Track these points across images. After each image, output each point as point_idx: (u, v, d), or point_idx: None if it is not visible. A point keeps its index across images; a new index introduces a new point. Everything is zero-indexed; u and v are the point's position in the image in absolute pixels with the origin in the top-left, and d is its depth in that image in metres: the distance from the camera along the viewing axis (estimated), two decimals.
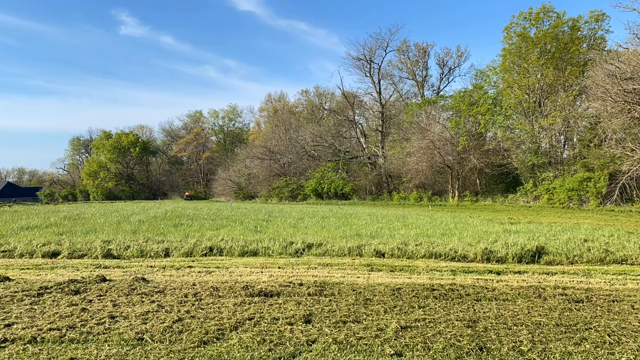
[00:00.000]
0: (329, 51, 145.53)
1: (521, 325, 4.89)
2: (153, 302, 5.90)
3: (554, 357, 4.04)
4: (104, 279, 7.29)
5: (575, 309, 5.58)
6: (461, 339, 4.43)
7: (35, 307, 5.69)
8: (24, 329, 4.80)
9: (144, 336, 4.54)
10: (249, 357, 4.05)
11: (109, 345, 4.32)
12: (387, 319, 5.10)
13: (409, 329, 4.75)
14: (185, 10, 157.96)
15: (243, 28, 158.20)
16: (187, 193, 72.89)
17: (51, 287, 6.71)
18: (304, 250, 10.28)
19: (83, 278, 7.39)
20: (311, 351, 4.18)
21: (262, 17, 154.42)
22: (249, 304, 5.77)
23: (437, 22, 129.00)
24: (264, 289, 6.45)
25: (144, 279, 7.31)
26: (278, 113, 78.33)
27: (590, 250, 9.69)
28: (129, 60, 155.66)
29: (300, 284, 6.88)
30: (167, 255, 10.10)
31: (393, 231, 13.82)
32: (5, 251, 10.37)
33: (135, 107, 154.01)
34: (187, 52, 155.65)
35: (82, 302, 5.91)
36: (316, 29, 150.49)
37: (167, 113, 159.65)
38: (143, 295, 6.24)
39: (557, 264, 8.99)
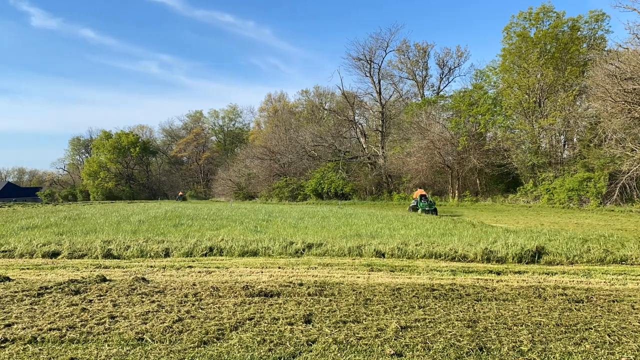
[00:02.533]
0: (267, 46, 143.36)
1: (521, 325, 4.89)
2: (153, 302, 5.90)
3: (554, 357, 4.04)
4: (104, 279, 7.29)
5: (575, 309, 5.58)
6: (461, 339, 4.43)
7: (36, 307, 5.69)
8: (24, 329, 4.80)
9: (144, 336, 4.54)
10: (249, 357, 4.05)
11: (109, 345, 4.32)
12: (387, 319, 5.10)
13: (409, 329, 4.75)
14: (91, 4, 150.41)
15: (163, 21, 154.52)
16: (180, 193, 70.46)
17: (51, 287, 6.71)
18: (304, 250, 10.28)
19: (83, 278, 7.39)
20: (311, 351, 4.18)
21: (175, 8, 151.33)
22: (249, 304, 5.77)
23: (437, 22, 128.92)
24: (264, 289, 6.45)
25: (144, 279, 7.32)
26: (278, 113, 78.34)
27: (590, 250, 9.69)
28: (61, 55, 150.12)
29: (301, 284, 6.88)
30: (167, 255, 10.10)
31: (393, 231, 13.82)
32: (5, 251, 10.37)
33: (86, 105, 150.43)
34: (114, 47, 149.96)
35: (82, 302, 5.91)
36: (244, 22, 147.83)
37: (126, 111, 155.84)
38: (143, 295, 6.25)
39: (557, 264, 9.00)
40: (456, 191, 42.08)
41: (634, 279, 7.55)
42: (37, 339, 4.50)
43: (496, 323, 4.97)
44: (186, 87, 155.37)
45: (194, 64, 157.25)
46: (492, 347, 4.24)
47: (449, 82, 64.88)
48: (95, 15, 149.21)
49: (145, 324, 4.95)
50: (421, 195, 25.77)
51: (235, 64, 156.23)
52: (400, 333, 4.62)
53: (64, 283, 6.93)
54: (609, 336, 4.55)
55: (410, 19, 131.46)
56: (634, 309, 5.60)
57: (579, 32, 36.63)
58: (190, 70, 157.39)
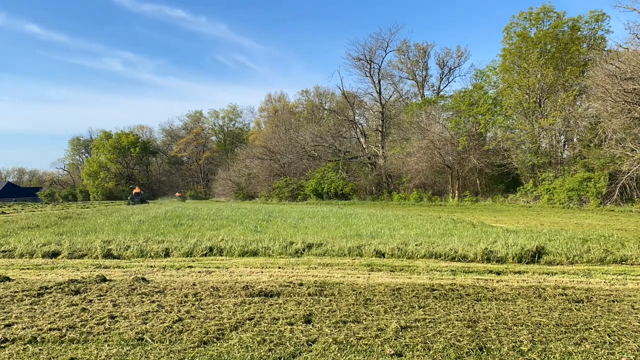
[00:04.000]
0: (228, 42, 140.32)
1: (521, 325, 4.89)
2: (153, 302, 5.90)
3: (554, 357, 4.04)
4: (104, 279, 7.29)
5: (575, 309, 5.58)
6: (461, 339, 4.43)
7: (36, 307, 5.69)
8: (24, 329, 4.80)
9: (144, 336, 4.54)
10: (249, 357, 4.05)
11: (109, 345, 4.32)
12: (387, 319, 5.10)
13: (409, 329, 4.75)
14: None
15: (111, 16, 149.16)
16: (177, 193, 66.04)
17: (51, 287, 6.71)
18: (304, 250, 10.28)
19: (83, 278, 7.39)
20: (311, 351, 4.18)
21: (122, 2, 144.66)
22: (249, 304, 5.77)
23: (437, 22, 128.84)
24: (264, 289, 6.45)
25: (144, 279, 7.32)
26: (278, 113, 78.32)
27: (590, 250, 9.69)
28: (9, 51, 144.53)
29: (301, 284, 6.88)
30: (167, 255, 10.10)
31: (393, 231, 13.82)
32: (5, 251, 10.37)
33: (54, 103, 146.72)
34: (67, 43, 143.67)
35: (82, 302, 5.91)
36: (195, 17, 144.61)
37: (100, 110, 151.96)
38: (143, 295, 6.24)
39: (557, 264, 9.00)
40: (456, 191, 42.07)
41: (634, 279, 7.55)
42: (37, 339, 4.50)
43: (496, 323, 4.97)
44: (158, 86, 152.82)
45: (157, 62, 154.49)
46: (492, 347, 4.24)
47: (449, 82, 64.90)
48: (40, 9, 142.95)
49: (145, 324, 4.95)
50: None
51: (201, 61, 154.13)
52: (400, 333, 4.62)
53: (64, 283, 6.93)
54: (609, 336, 4.55)
55: (410, 18, 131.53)
56: (634, 309, 5.60)
57: (579, 32, 36.63)
58: (156, 69, 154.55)
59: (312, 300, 5.95)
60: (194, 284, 6.95)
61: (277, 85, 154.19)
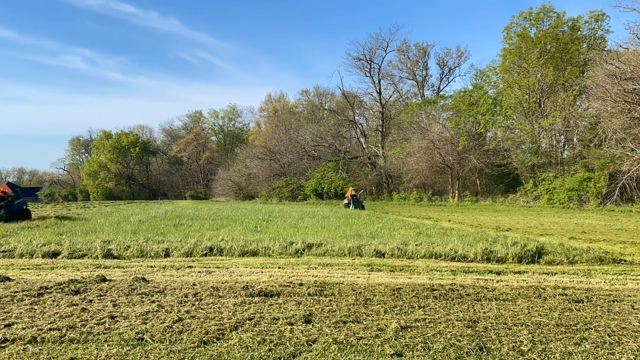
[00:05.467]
0: (186, 38, 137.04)
1: (521, 325, 4.89)
2: (153, 302, 5.90)
3: (554, 357, 4.04)
4: (104, 279, 7.29)
5: (575, 309, 5.58)
6: (461, 339, 4.43)
7: (36, 307, 5.69)
8: (24, 329, 4.79)
9: (144, 336, 4.54)
10: (249, 357, 4.05)
11: (109, 345, 4.32)
12: (387, 319, 5.10)
13: (409, 329, 4.75)
14: None
15: (56, 10, 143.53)
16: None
17: (51, 287, 6.71)
18: (304, 250, 10.27)
19: (83, 278, 7.39)
20: (311, 351, 4.18)
21: None
22: (249, 304, 5.77)
23: (437, 21, 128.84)
24: (264, 289, 6.45)
25: (144, 279, 7.31)
26: (278, 113, 78.33)
27: (590, 250, 9.69)
28: None
29: (301, 284, 6.88)
30: (167, 255, 10.10)
31: (393, 231, 13.81)
32: (5, 251, 10.36)
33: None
34: (16, 40, 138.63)
35: (82, 302, 5.91)
36: (146, 12, 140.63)
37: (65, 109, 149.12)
38: (143, 295, 6.24)
39: (557, 264, 9.00)
40: (456, 191, 42.07)
41: (634, 279, 7.55)
42: (37, 339, 4.50)
43: (496, 323, 4.97)
44: (123, 84, 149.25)
45: (118, 60, 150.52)
46: (492, 347, 4.24)
47: (449, 82, 64.95)
48: None
49: (145, 324, 4.94)
50: (352, 195, 30.26)
51: (163, 58, 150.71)
52: (400, 333, 4.62)
53: (64, 283, 6.93)
54: (609, 336, 4.55)
55: (409, 18, 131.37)
56: (634, 309, 5.60)
57: (579, 32, 36.64)
58: (118, 66, 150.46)
59: (312, 300, 5.95)
60: (194, 284, 6.95)
61: (244, 84, 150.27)
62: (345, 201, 31.42)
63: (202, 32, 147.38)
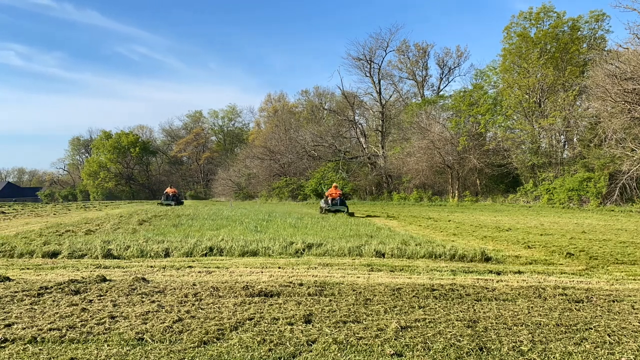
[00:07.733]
0: (116, 32, 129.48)
1: (521, 325, 4.89)
2: (153, 302, 5.90)
3: (554, 357, 4.04)
4: (104, 279, 7.29)
5: (575, 309, 5.58)
6: (461, 339, 4.43)
7: (36, 307, 5.69)
8: (24, 329, 4.79)
9: (144, 336, 4.54)
10: (249, 357, 4.05)
11: (109, 345, 4.31)
12: (387, 319, 5.10)
13: (409, 329, 4.75)
14: None
15: None
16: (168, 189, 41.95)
17: (51, 287, 6.71)
18: (304, 250, 10.27)
19: (83, 278, 7.39)
20: (311, 351, 4.18)
21: None
22: (249, 304, 5.76)
23: (437, 21, 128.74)
24: (264, 289, 6.45)
25: (144, 279, 7.31)
26: (278, 113, 78.32)
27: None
28: None
29: (301, 284, 6.87)
30: (167, 255, 10.10)
31: (393, 231, 13.82)
32: (5, 251, 10.36)
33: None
34: None
35: (82, 302, 5.91)
36: (59, 3, 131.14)
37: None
38: (143, 295, 6.24)
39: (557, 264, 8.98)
40: (456, 191, 42.07)
41: (634, 279, 7.55)
42: (37, 339, 4.49)
43: (496, 323, 4.97)
44: (67, 81, 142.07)
45: (53, 55, 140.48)
46: (492, 347, 4.24)
47: (449, 82, 64.94)
48: None
49: (145, 324, 4.94)
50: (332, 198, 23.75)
51: (100, 54, 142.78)
52: (400, 333, 4.62)
53: (64, 283, 6.93)
54: (609, 336, 4.55)
55: (409, 17, 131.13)
56: (634, 309, 5.60)
57: (579, 32, 36.65)
58: (56, 62, 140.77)
59: (312, 300, 5.95)
60: (194, 284, 6.95)
61: (191, 80, 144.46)
62: (322, 203, 24.27)
63: (130, 25, 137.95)
